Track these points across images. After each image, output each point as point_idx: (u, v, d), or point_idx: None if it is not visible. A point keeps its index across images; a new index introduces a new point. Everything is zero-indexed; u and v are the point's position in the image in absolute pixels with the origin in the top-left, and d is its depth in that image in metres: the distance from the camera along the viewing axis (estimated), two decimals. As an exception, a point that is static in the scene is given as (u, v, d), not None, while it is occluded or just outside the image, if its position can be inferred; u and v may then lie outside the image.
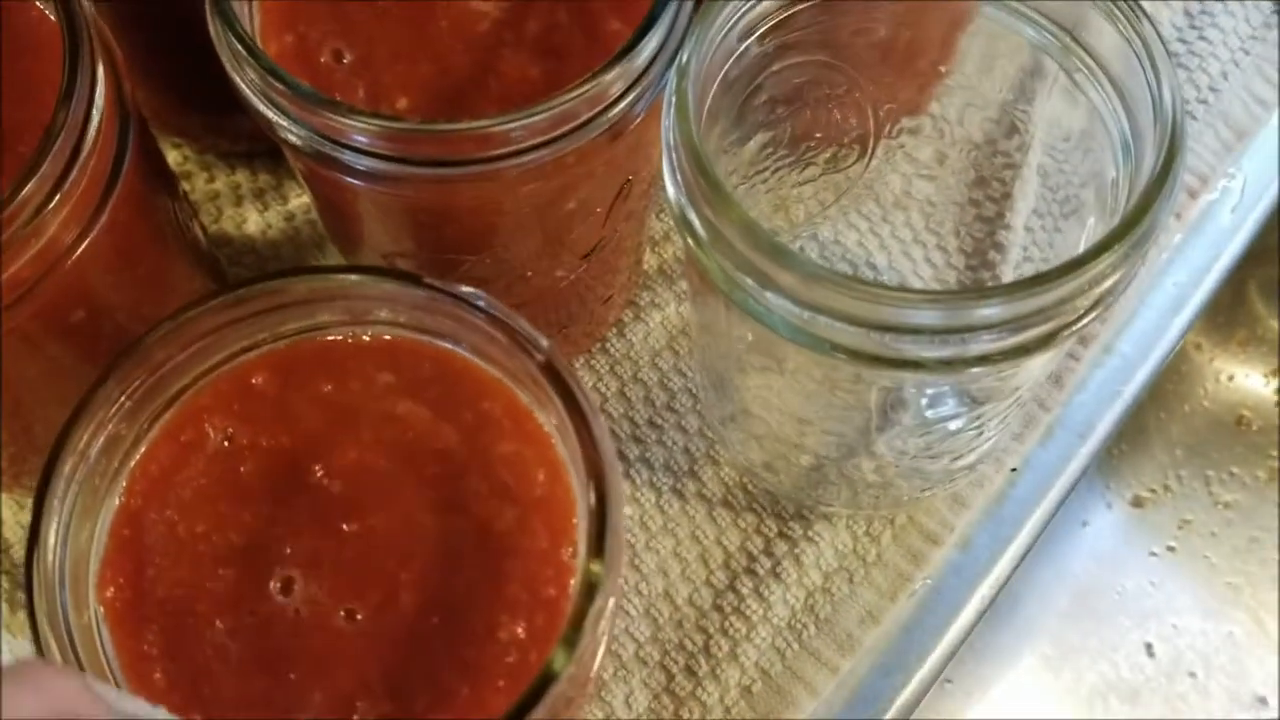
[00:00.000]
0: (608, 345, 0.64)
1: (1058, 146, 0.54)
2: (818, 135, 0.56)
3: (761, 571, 0.60)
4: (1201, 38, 0.72)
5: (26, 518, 0.60)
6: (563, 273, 0.52)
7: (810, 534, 0.60)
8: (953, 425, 0.51)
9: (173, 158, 0.68)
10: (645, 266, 0.66)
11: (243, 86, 0.44)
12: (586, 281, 0.55)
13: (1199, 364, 0.98)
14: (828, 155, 0.58)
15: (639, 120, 0.46)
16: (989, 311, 0.40)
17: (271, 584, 0.40)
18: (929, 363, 0.41)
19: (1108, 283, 0.41)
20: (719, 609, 0.59)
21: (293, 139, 0.44)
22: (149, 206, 0.51)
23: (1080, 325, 0.42)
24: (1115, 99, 0.46)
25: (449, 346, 0.42)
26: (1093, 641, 0.92)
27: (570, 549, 0.40)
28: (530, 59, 0.47)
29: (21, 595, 0.58)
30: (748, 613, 0.59)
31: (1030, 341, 0.42)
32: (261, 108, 0.44)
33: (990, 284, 0.64)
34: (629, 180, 0.49)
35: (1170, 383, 0.98)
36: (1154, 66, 0.43)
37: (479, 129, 0.42)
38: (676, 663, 0.58)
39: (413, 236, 0.49)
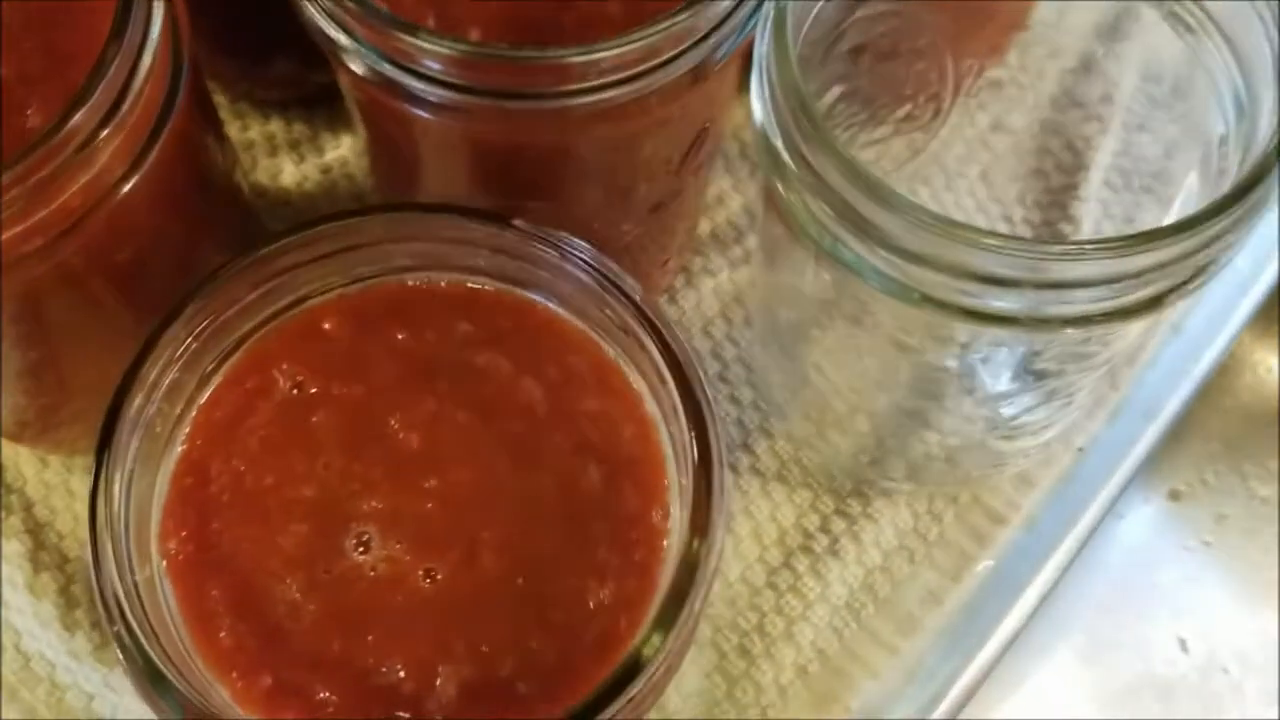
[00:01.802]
0: (661, 311, 0.62)
1: (1143, 99, 0.52)
2: (896, 91, 0.54)
3: (818, 549, 0.57)
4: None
5: (50, 475, 0.58)
6: (629, 226, 0.50)
7: (869, 511, 0.58)
8: (1024, 400, 0.49)
9: (208, 109, 0.66)
10: (698, 231, 0.63)
11: (309, 7, 0.42)
12: (648, 240, 0.53)
13: (1239, 355, 0.95)
14: (902, 113, 0.56)
15: (721, 63, 0.43)
16: (1090, 267, 0.38)
17: (347, 540, 0.37)
18: (1023, 318, 0.39)
19: (1216, 247, 0.39)
20: (773, 586, 0.57)
21: (358, 66, 0.41)
22: (198, 149, 0.49)
23: (1184, 291, 0.40)
24: (1224, 46, 0.44)
25: (532, 296, 0.40)
26: (1127, 636, 0.90)
27: (661, 511, 0.38)
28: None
29: (44, 555, 0.56)
30: (804, 590, 0.57)
31: (1130, 305, 0.39)
32: (330, 30, 0.42)
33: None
34: (705, 129, 0.47)
35: (1208, 376, 0.96)
36: (1275, 17, 0.41)
37: (556, 58, 0.39)
38: (729, 641, 0.56)
39: (476, 179, 0.46)
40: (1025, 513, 0.58)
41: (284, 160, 0.65)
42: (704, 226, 0.64)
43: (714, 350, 0.62)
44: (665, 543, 0.37)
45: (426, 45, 0.39)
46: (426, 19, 0.44)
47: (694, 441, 0.35)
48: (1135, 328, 0.43)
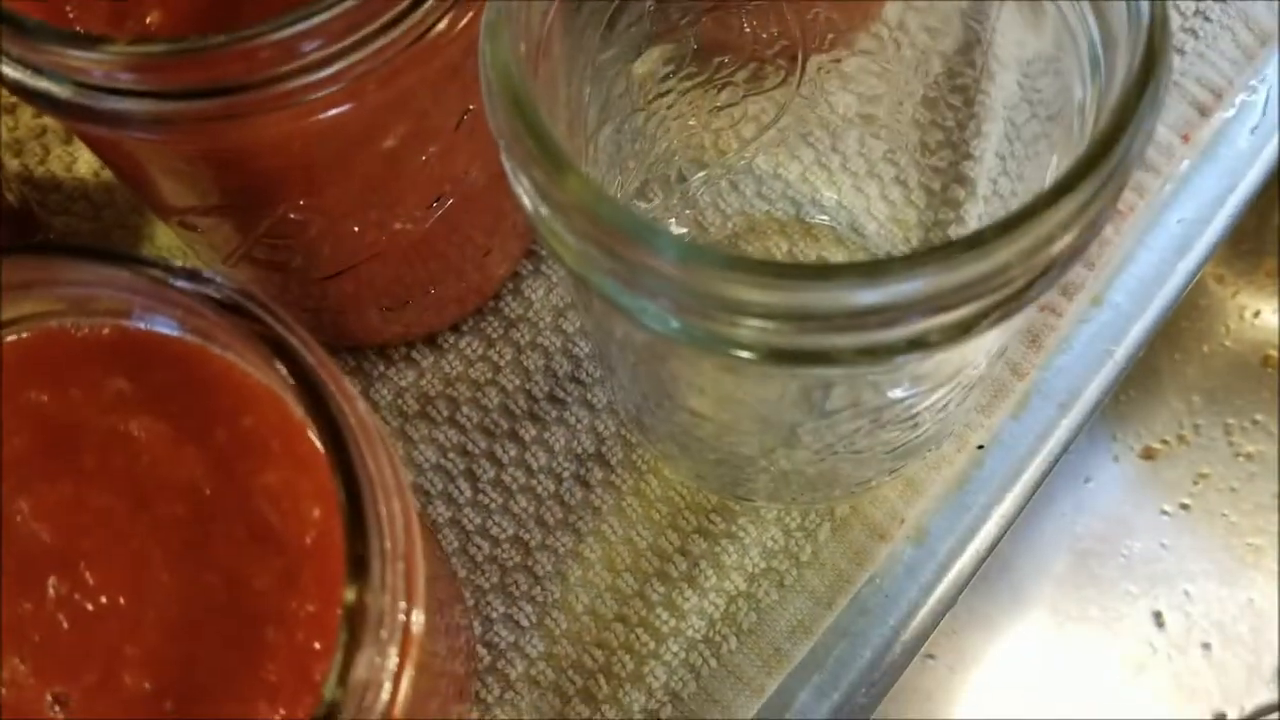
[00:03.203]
0: (501, 303, 0.54)
1: (1024, 61, 0.44)
2: (730, 48, 0.46)
3: (676, 574, 0.50)
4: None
5: None
6: (404, 225, 0.42)
7: (734, 529, 0.51)
8: (889, 413, 0.41)
9: (-1, 88, 0.58)
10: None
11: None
12: (445, 234, 0.45)
13: (1220, 298, 0.87)
14: (748, 73, 0.48)
15: (469, 24, 0.35)
16: (912, 286, 0.30)
17: (-41, 660, 0.30)
18: (844, 354, 0.31)
19: (1066, 238, 0.31)
20: (624, 619, 0.50)
21: (17, 85, 0.34)
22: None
23: (1032, 294, 0.32)
24: (1087, 5, 0.35)
25: (198, 343, 0.32)
26: (1094, 610, 0.83)
27: (349, 610, 0.30)
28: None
29: None
30: (658, 624, 0.50)
31: (970, 318, 0.31)
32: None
33: (955, 225, 0.53)
34: (469, 111, 0.39)
35: (1186, 319, 0.87)
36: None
37: (235, 42, 0.32)
38: (574, 684, 0.49)
39: (196, 191, 0.39)
40: (912, 524, 0.51)
41: (80, 148, 0.57)
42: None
43: (565, 346, 0.54)
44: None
45: (71, 52, 0.32)
46: (95, 5, 0.36)
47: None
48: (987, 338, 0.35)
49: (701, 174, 0.54)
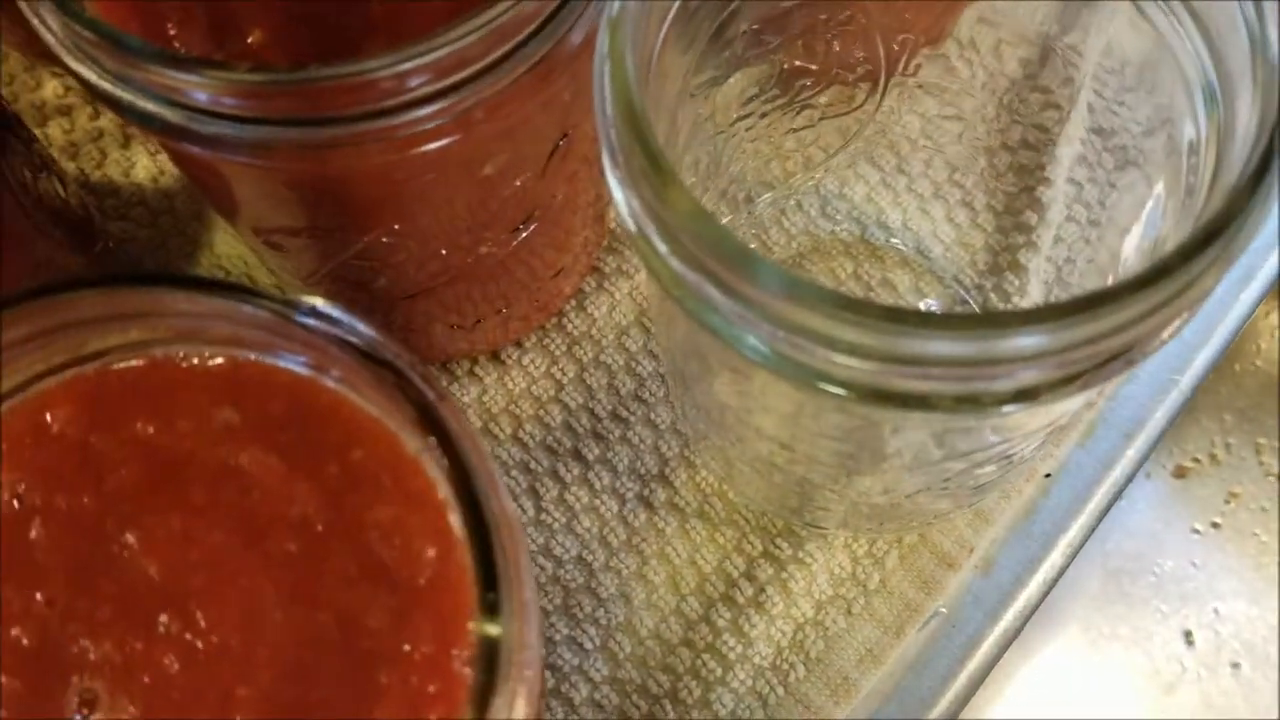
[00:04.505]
0: (565, 320, 0.54)
1: (1112, 84, 0.43)
2: (815, 70, 0.45)
3: (742, 599, 0.50)
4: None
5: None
6: (489, 249, 0.42)
7: (801, 554, 0.50)
8: (984, 456, 0.41)
9: (51, 89, 0.57)
10: (610, 224, 0.55)
11: (42, 33, 0.33)
12: (526, 255, 0.44)
13: (1252, 319, 0.87)
14: (829, 97, 0.47)
15: (571, 57, 0.35)
16: (1025, 342, 0.29)
17: (67, 699, 0.30)
18: (942, 401, 0.31)
19: (1187, 298, 0.30)
20: (690, 644, 0.49)
21: (115, 103, 0.33)
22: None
23: (1148, 351, 0.32)
24: (1194, 29, 0.35)
25: (309, 375, 0.32)
26: (1124, 629, 0.83)
27: (465, 652, 0.30)
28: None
29: None
30: (724, 650, 0.49)
31: (1079, 373, 0.31)
32: (70, 60, 0.33)
33: (1025, 250, 0.53)
34: (565, 136, 0.38)
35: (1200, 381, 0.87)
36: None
37: (350, 75, 0.31)
38: (639, 709, 0.49)
39: (286, 212, 0.38)
40: (981, 554, 0.50)
41: (137, 152, 0.56)
42: (617, 220, 0.56)
43: (628, 365, 0.53)
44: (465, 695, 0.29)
45: (183, 76, 0.31)
46: (198, 20, 0.35)
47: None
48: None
49: (769, 195, 0.53)
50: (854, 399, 0.31)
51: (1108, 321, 0.28)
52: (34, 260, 0.43)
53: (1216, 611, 0.83)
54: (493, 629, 0.27)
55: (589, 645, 0.49)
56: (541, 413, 0.52)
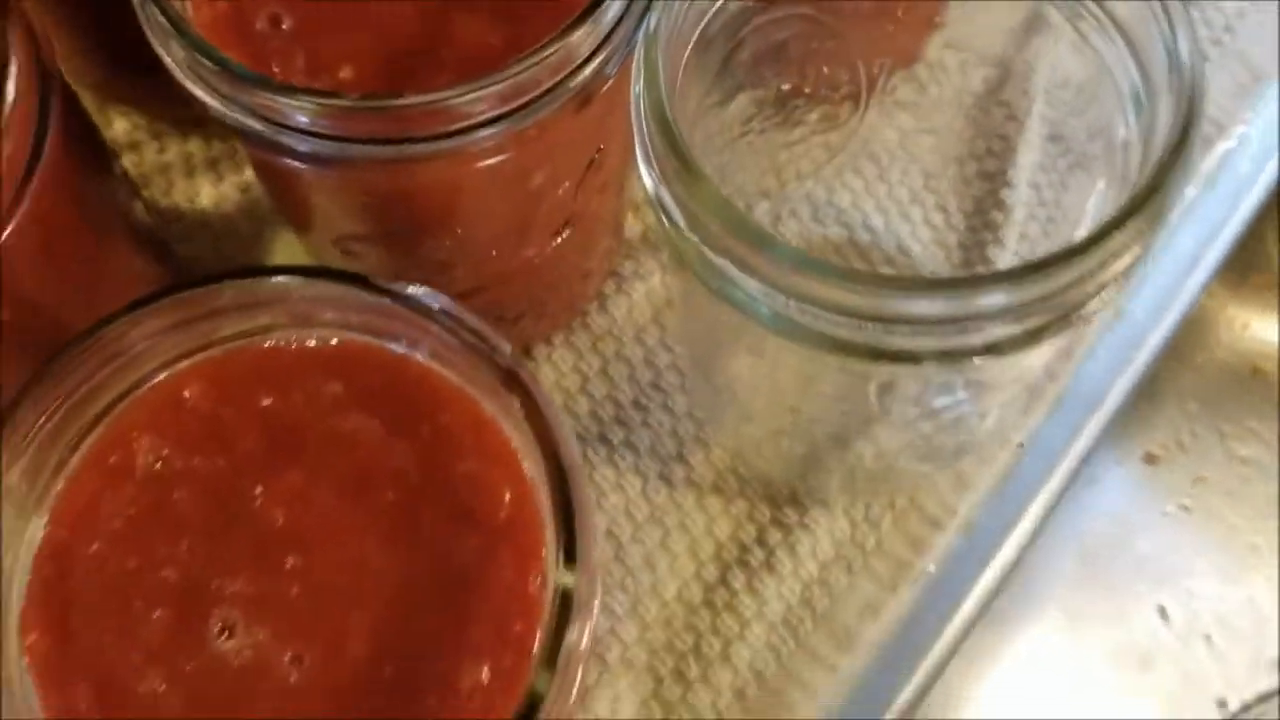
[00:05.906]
0: (589, 320, 0.60)
1: (1061, 98, 0.50)
2: (806, 92, 0.52)
3: (754, 563, 0.56)
4: (1218, -29, 0.68)
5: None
6: (533, 251, 0.48)
7: (806, 520, 0.56)
8: (956, 412, 0.47)
9: (120, 127, 0.64)
10: (627, 234, 0.61)
11: (168, 60, 0.40)
12: (560, 258, 0.51)
13: (1211, 311, 0.93)
14: (818, 113, 0.54)
15: (607, 86, 0.41)
16: (992, 299, 0.36)
17: (211, 628, 0.36)
18: (926, 355, 0.37)
19: (1123, 260, 0.37)
20: (710, 605, 0.55)
21: (227, 120, 0.40)
22: (80, 189, 0.47)
23: (1093, 308, 0.38)
24: (1124, 48, 0.42)
25: (403, 351, 0.38)
26: (1103, 606, 0.88)
27: (539, 578, 0.36)
28: (488, 23, 0.43)
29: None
30: (741, 609, 0.55)
31: (1037, 328, 0.38)
32: (190, 85, 0.40)
33: (993, 246, 0.60)
34: (599, 151, 0.45)
35: (1181, 332, 0.93)
36: (1168, 17, 0.38)
37: (429, 103, 0.37)
38: (665, 665, 0.55)
39: (364, 219, 0.45)
40: (962, 516, 0.57)
41: (201, 181, 0.63)
42: (635, 228, 0.62)
43: (646, 357, 0.60)
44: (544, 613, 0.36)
45: (288, 101, 0.38)
46: (296, 58, 0.42)
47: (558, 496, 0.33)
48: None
49: (766, 204, 0.60)
50: (853, 357, 0.37)
51: (1058, 280, 0.35)
52: (135, 271, 0.49)
53: (1189, 589, 0.89)
54: (568, 563, 0.33)
55: (619, 610, 0.55)
56: (570, 402, 0.59)
